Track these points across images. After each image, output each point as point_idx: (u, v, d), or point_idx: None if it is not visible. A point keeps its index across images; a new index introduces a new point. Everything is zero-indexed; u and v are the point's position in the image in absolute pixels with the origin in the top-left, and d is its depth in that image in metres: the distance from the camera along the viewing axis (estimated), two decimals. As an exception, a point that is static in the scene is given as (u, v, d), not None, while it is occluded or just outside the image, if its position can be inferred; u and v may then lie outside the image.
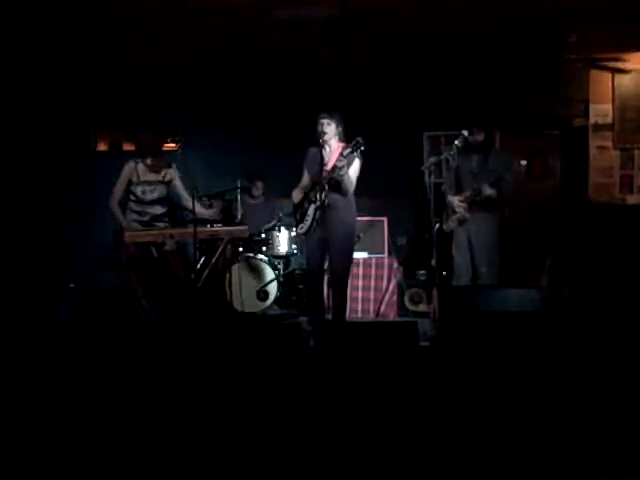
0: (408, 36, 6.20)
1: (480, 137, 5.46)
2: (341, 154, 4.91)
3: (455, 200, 5.52)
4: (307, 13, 5.38)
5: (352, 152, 4.88)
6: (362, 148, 4.90)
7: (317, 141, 5.09)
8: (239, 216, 6.68)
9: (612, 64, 6.95)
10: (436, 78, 7.09)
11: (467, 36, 6.23)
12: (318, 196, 4.97)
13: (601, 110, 7.10)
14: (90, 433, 3.24)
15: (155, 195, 5.49)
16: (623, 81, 7.02)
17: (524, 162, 5.32)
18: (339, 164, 4.88)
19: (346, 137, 5.09)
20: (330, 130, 5.03)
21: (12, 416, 3.44)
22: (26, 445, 3.12)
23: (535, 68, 6.98)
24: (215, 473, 2.90)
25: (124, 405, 3.53)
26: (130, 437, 3.19)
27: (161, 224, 5.49)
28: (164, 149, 5.78)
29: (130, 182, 5.45)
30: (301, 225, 5.14)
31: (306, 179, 5.22)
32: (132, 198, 5.47)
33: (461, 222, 5.52)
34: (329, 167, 5.03)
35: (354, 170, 5.02)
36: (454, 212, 5.53)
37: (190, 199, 5.24)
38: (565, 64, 6.90)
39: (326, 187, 4.96)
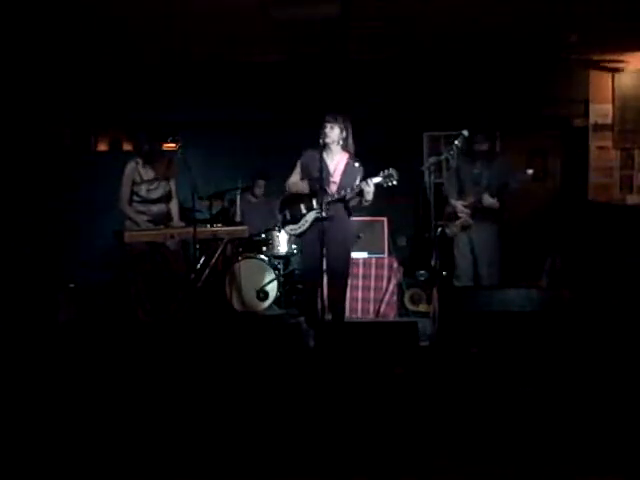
0: (408, 36, 6.21)
1: (484, 146, 5.47)
2: (365, 180, 4.80)
3: (458, 205, 5.53)
4: (307, 13, 5.38)
5: (382, 184, 4.79)
6: (395, 183, 4.80)
7: (317, 143, 4.87)
8: (238, 216, 6.68)
9: (612, 64, 6.95)
10: (436, 78, 7.09)
11: (467, 36, 6.23)
12: (322, 207, 4.81)
13: (601, 110, 7.10)
14: (90, 433, 3.24)
15: (159, 193, 5.48)
16: (623, 81, 7.02)
17: (530, 171, 5.32)
18: (367, 189, 4.76)
19: (350, 147, 4.97)
20: (333, 134, 4.88)
21: (12, 416, 3.44)
22: (26, 445, 3.12)
23: (535, 68, 6.98)
24: (215, 473, 2.90)
25: (124, 405, 3.53)
26: (130, 437, 3.19)
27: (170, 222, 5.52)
28: (164, 149, 5.77)
29: (133, 182, 5.44)
30: (293, 227, 5.09)
31: (298, 176, 5.10)
32: (136, 198, 5.45)
33: (464, 228, 5.52)
34: (336, 178, 4.92)
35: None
36: (457, 217, 5.54)
37: (176, 200, 5.53)
38: (565, 64, 6.91)
39: (331, 199, 4.87)
